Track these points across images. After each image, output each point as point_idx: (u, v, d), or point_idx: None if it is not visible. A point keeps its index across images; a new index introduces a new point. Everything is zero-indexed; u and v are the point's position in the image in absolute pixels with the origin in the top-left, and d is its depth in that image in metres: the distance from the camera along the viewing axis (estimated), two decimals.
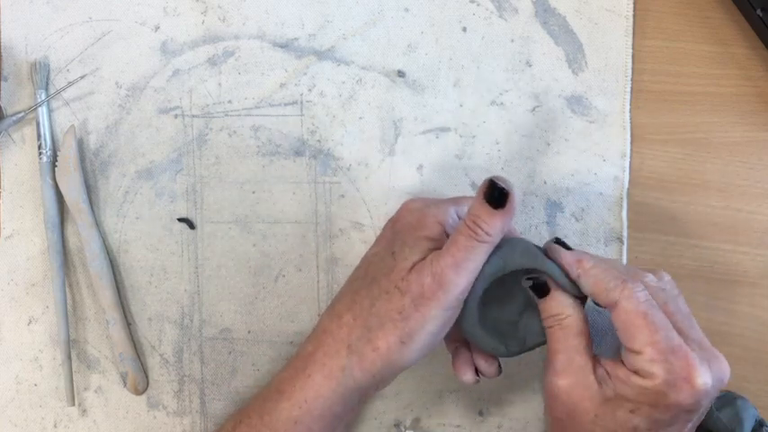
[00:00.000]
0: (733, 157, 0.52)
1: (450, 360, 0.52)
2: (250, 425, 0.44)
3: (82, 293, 0.52)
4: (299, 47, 0.52)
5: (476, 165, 0.52)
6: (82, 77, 0.52)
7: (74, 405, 0.51)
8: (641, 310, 0.39)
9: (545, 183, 0.52)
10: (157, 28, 0.52)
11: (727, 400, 0.49)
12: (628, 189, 0.52)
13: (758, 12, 0.49)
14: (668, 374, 0.37)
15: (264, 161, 0.52)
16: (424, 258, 0.42)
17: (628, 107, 0.52)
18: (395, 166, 0.52)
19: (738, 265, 0.52)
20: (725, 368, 0.39)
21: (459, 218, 0.44)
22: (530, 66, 0.52)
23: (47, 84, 0.52)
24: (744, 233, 0.52)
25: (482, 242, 0.41)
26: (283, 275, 0.52)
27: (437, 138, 0.52)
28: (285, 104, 0.52)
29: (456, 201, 0.45)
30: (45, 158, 0.51)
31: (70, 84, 0.52)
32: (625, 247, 0.52)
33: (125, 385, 0.52)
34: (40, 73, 0.52)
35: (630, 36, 0.52)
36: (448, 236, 0.43)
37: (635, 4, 0.52)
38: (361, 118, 0.52)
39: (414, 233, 0.43)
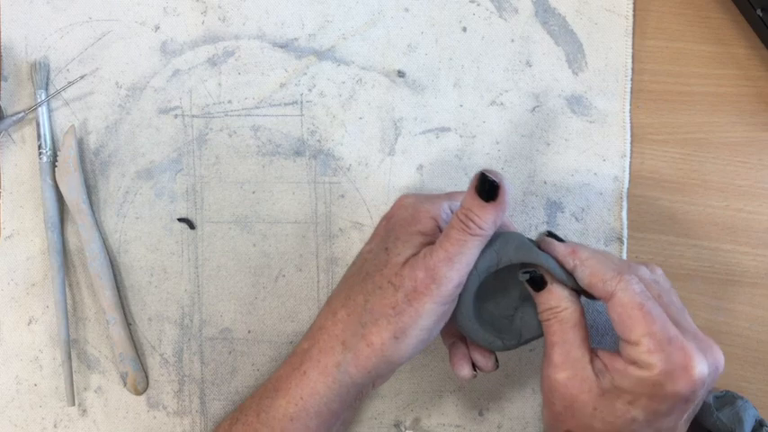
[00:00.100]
0: (733, 157, 0.52)
1: (448, 360, 0.52)
2: (246, 422, 0.44)
3: (82, 293, 0.52)
4: (299, 47, 0.52)
5: (476, 165, 0.52)
6: (82, 77, 0.52)
7: (74, 405, 0.51)
8: (637, 301, 0.39)
9: (545, 183, 0.52)
10: (157, 28, 0.52)
11: (727, 400, 0.49)
12: (628, 189, 0.52)
13: (758, 12, 0.49)
14: (666, 365, 0.38)
15: (264, 161, 0.52)
16: (417, 253, 0.42)
17: (628, 107, 0.52)
18: (395, 165, 0.52)
19: (738, 265, 0.52)
20: (720, 357, 0.40)
21: (453, 212, 0.44)
22: (530, 66, 0.52)
23: (47, 84, 0.52)
24: (744, 233, 0.52)
25: (474, 236, 0.41)
26: (283, 275, 0.52)
27: (437, 138, 0.52)
28: (285, 104, 0.52)
29: (450, 196, 0.45)
30: (45, 158, 0.51)
31: (70, 84, 0.52)
32: (625, 247, 0.52)
33: (125, 385, 0.52)
34: (40, 73, 0.52)
35: (630, 36, 0.52)
36: (441, 231, 0.43)
37: (635, 4, 0.52)
38: (361, 118, 0.52)
39: (407, 228, 0.43)
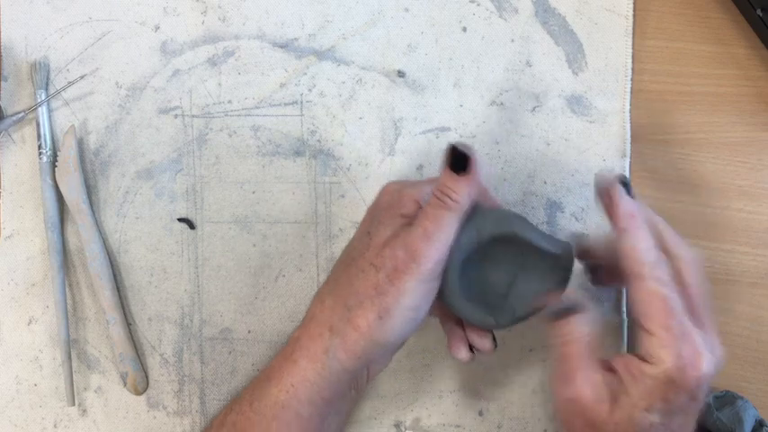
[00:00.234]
0: (733, 157, 0.52)
1: (448, 360, 0.52)
2: (240, 411, 0.44)
3: (82, 293, 0.52)
4: (299, 47, 0.52)
5: None
6: (82, 77, 0.52)
7: (74, 405, 0.51)
8: (662, 293, 0.39)
9: (545, 183, 0.52)
10: (157, 28, 0.52)
11: (727, 400, 0.49)
12: None
13: (758, 12, 0.49)
14: (677, 360, 0.38)
15: (264, 161, 0.52)
16: (397, 234, 0.42)
17: (628, 107, 0.52)
18: (395, 166, 0.52)
19: (738, 265, 0.52)
20: (721, 355, 0.40)
21: None
22: (530, 66, 0.52)
23: (47, 84, 0.52)
24: (744, 233, 0.52)
25: (449, 209, 0.41)
26: (283, 275, 0.52)
27: (437, 138, 0.52)
28: (285, 104, 0.52)
29: (433, 180, 0.45)
30: (45, 158, 0.51)
31: (70, 84, 0.52)
32: None
33: (125, 385, 0.52)
34: (40, 73, 0.52)
35: (630, 36, 0.52)
36: None
37: (635, 4, 0.52)
38: (361, 118, 0.52)
39: (389, 212, 0.43)
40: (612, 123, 0.52)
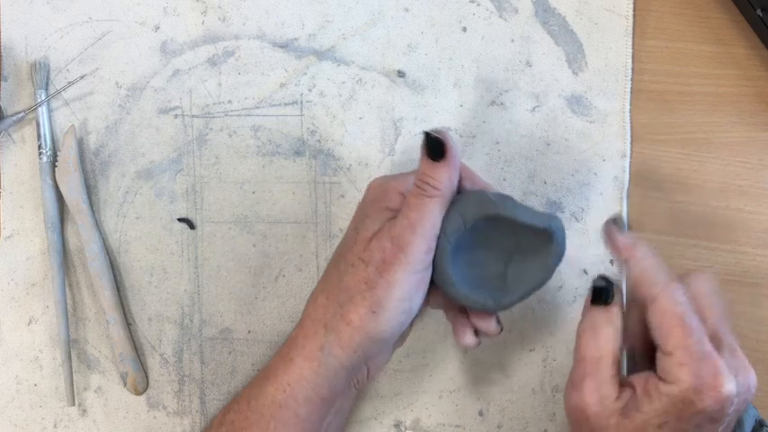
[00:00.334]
0: (733, 157, 0.52)
1: (448, 360, 0.52)
2: (238, 411, 0.44)
3: (82, 293, 0.52)
4: (299, 47, 0.52)
5: (476, 165, 0.52)
6: (82, 77, 0.52)
7: (74, 405, 0.51)
8: (678, 311, 0.39)
9: (545, 183, 0.52)
10: (157, 28, 0.52)
11: None
12: (628, 189, 0.52)
13: (758, 12, 0.49)
14: (695, 379, 0.37)
15: (264, 161, 0.52)
16: (383, 227, 0.42)
17: (628, 107, 0.52)
18: (395, 166, 0.52)
19: (738, 265, 0.52)
20: (752, 379, 0.39)
21: None
22: (530, 66, 0.52)
23: (47, 84, 0.52)
24: (744, 233, 0.52)
25: (431, 197, 0.41)
26: (283, 275, 0.52)
27: None
28: (285, 104, 0.52)
29: (417, 171, 0.45)
30: (45, 158, 0.51)
31: (70, 84, 0.52)
32: None
33: (125, 385, 0.52)
34: (40, 73, 0.52)
35: (630, 36, 0.52)
36: None
37: (635, 4, 0.52)
38: (361, 118, 0.52)
39: (375, 206, 0.43)
40: (612, 123, 0.52)
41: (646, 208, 0.52)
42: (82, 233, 0.51)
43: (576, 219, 0.52)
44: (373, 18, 0.52)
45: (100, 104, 0.52)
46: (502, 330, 0.45)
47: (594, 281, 0.42)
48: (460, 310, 0.46)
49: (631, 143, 0.52)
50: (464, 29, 0.52)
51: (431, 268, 0.42)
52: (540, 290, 0.44)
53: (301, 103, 0.52)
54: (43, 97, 0.52)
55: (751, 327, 0.51)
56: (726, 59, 0.52)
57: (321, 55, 0.52)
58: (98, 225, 0.52)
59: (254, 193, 0.52)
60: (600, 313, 0.41)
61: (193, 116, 0.52)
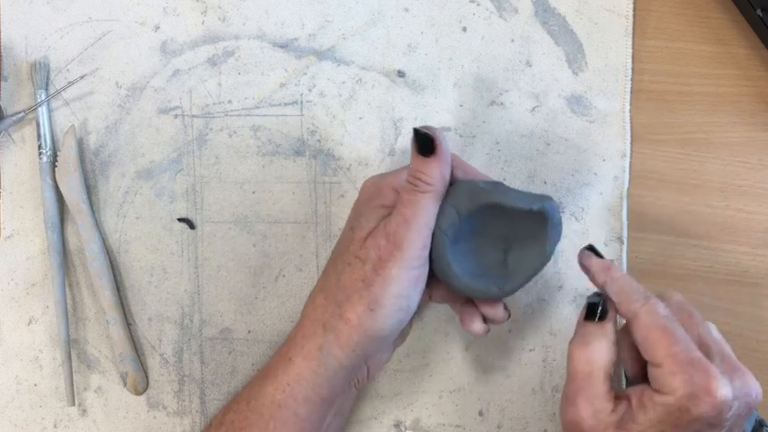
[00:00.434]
0: (733, 157, 0.52)
1: (448, 360, 0.52)
2: (238, 411, 0.44)
3: (82, 293, 0.52)
4: (299, 47, 0.52)
5: (476, 165, 0.51)
6: (82, 77, 0.52)
7: (74, 405, 0.51)
8: (661, 323, 0.39)
9: (545, 183, 0.52)
10: (157, 28, 0.52)
11: None
12: (628, 189, 0.52)
13: (758, 12, 0.49)
14: (688, 386, 0.37)
15: (264, 161, 0.52)
16: (379, 225, 0.42)
17: (628, 107, 0.52)
18: (395, 166, 0.52)
19: (738, 265, 0.52)
20: (750, 382, 0.39)
21: None
22: (530, 66, 0.52)
23: (47, 84, 0.52)
24: (744, 233, 0.52)
25: (424, 192, 0.41)
26: (283, 275, 0.52)
27: None
28: (285, 104, 0.52)
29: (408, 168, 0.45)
30: (45, 158, 0.51)
31: (70, 84, 0.52)
32: (625, 247, 0.52)
33: (125, 385, 0.52)
34: (40, 73, 0.52)
35: (630, 36, 0.52)
36: None
37: (635, 4, 0.52)
38: (361, 118, 0.52)
39: (369, 204, 0.44)
40: (612, 123, 0.52)
41: (646, 208, 0.52)
42: (82, 233, 0.51)
43: (576, 219, 0.52)
44: (373, 18, 0.52)
45: (100, 104, 0.52)
46: (510, 316, 0.45)
47: (589, 297, 0.42)
48: (467, 300, 0.46)
49: (631, 143, 0.52)
50: (464, 29, 0.52)
51: (427, 264, 0.42)
52: (542, 271, 0.44)
53: (301, 103, 0.52)
54: (43, 97, 0.52)
55: (751, 327, 0.51)
56: (726, 59, 0.52)
57: (321, 55, 0.52)
58: (98, 225, 0.52)
59: (254, 193, 0.52)
60: (593, 328, 0.41)
61: (193, 116, 0.52)
